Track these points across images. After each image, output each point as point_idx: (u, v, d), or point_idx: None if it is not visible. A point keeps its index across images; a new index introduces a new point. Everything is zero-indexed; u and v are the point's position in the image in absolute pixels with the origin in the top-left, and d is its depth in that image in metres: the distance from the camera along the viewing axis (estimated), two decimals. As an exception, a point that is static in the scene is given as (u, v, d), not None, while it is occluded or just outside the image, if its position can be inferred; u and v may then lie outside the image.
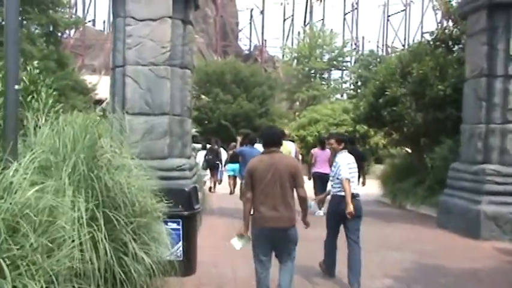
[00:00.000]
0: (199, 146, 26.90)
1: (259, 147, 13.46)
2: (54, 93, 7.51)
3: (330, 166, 9.24)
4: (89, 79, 33.46)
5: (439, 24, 15.99)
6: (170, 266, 5.20)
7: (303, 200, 4.87)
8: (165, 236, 5.28)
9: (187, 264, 5.92)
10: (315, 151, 11.77)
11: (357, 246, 6.09)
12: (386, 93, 12.76)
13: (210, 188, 17.28)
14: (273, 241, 4.78)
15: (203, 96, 41.43)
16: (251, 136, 11.25)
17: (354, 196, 6.02)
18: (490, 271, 6.77)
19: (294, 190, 4.81)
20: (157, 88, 8.33)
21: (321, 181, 10.95)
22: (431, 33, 15.60)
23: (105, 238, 4.17)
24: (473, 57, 9.34)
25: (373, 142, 33.93)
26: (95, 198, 4.32)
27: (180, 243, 5.98)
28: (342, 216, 6.06)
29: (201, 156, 17.32)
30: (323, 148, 11.34)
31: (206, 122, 39.08)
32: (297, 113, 47.89)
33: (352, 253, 6.06)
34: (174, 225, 5.96)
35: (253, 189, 4.78)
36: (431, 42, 14.54)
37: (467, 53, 9.76)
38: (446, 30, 14.42)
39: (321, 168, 11.09)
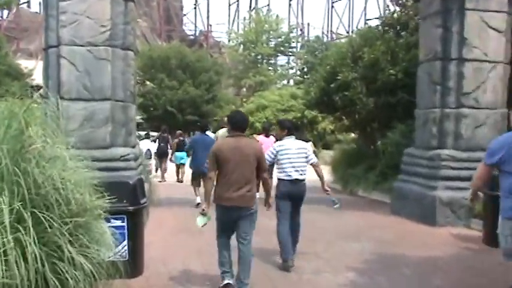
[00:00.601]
0: (143, 133, 26.17)
1: (210, 134, 13.13)
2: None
3: None
4: (25, 64, 31.74)
5: (386, 9, 15.78)
6: (114, 268, 4.64)
7: (266, 182, 5.24)
8: (108, 236, 4.70)
9: (133, 265, 5.34)
10: (260, 138, 11.84)
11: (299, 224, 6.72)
12: (338, 77, 12.50)
13: (163, 177, 16.82)
14: (234, 220, 5.04)
15: (148, 82, 40.31)
16: (203, 123, 11.33)
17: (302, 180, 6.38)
18: (449, 258, 6.59)
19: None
20: (96, 71, 7.63)
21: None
22: (380, 17, 15.53)
23: (35, 242, 3.58)
24: (427, 40, 9.14)
25: (321, 128, 34.04)
26: (21, 196, 3.69)
27: (125, 242, 5.40)
28: (292, 199, 6.38)
29: (145, 145, 16.59)
30: (267, 135, 11.91)
31: (151, 108, 38.03)
32: (244, 99, 47.56)
33: (296, 233, 6.60)
34: (118, 223, 5.38)
35: (218, 170, 4.98)
36: (380, 27, 14.43)
37: (421, 36, 9.56)
38: (395, 15, 14.32)
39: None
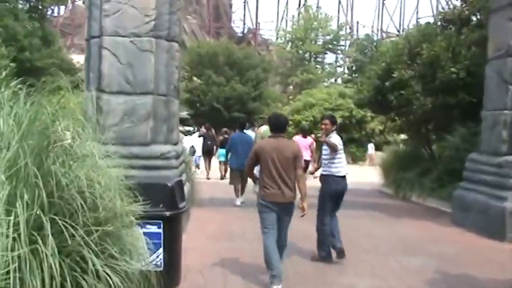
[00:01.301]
0: (190, 129, 26.02)
1: (249, 132, 12.81)
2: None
3: (312, 153, 11.58)
4: (77, 59, 32.16)
5: (446, 4, 14.82)
6: (147, 280, 4.17)
7: (300, 180, 5.38)
8: (141, 244, 4.22)
9: (169, 275, 4.85)
10: (297, 138, 11.91)
11: (336, 217, 6.53)
12: (394, 75, 11.70)
13: (208, 177, 16.48)
14: (276, 213, 5.30)
15: (195, 78, 40.33)
16: (241, 121, 11.73)
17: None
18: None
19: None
20: (139, 63, 7.20)
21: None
22: (440, 13, 14.59)
23: (54, 253, 3.12)
24: (498, 35, 8.28)
25: (370, 128, 33.02)
26: (41, 200, 3.24)
27: (161, 251, 4.91)
28: (339, 196, 6.37)
29: (190, 141, 16.26)
30: (304, 136, 12.20)
31: (198, 104, 37.99)
32: (290, 97, 46.89)
33: (335, 224, 6.43)
34: (154, 229, 4.89)
35: (260, 166, 5.39)
36: (439, 23, 13.54)
37: (491, 31, 8.69)
38: (456, 10, 13.39)
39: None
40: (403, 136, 36.10)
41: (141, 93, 7.28)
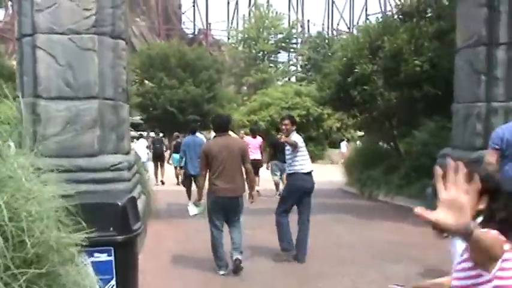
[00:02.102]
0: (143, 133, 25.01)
1: (201, 135, 12.38)
2: None
3: (261, 152, 12.30)
4: (19, 65, 30.45)
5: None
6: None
7: (249, 173, 5.95)
8: (86, 281, 3.45)
9: (123, 310, 4.10)
10: (247, 139, 12.36)
11: (308, 223, 6.47)
12: (356, 70, 11.21)
13: (162, 181, 16.01)
14: (225, 208, 5.79)
15: (147, 82, 39.20)
16: (192, 126, 11.56)
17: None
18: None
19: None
20: (80, 63, 6.36)
21: (254, 167, 10.91)
22: (397, 5, 14.27)
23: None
24: (468, 23, 7.87)
25: (327, 125, 32.82)
26: None
27: (113, 282, 4.14)
28: (306, 193, 6.39)
29: (140, 146, 15.34)
30: (254, 136, 12.77)
31: (151, 108, 36.84)
32: (245, 98, 46.33)
33: (304, 230, 6.39)
34: (104, 257, 4.11)
35: (209, 166, 5.70)
36: (396, 16, 13.22)
37: (459, 19, 8.28)
38: (412, 3, 13.08)
39: (253, 154, 11.04)
40: (359, 133, 36.25)
41: (84, 97, 6.44)
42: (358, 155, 14.84)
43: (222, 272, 5.72)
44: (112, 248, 4.14)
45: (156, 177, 15.85)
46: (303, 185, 6.28)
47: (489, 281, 1.66)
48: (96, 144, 6.47)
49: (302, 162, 6.32)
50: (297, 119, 30.52)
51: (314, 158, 32.18)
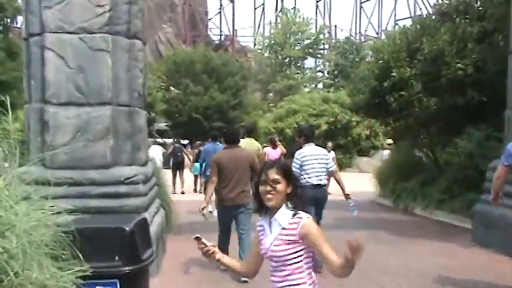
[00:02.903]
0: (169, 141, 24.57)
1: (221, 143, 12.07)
2: None
3: None
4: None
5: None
6: None
7: None
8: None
9: None
10: (267, 150, 12.43)
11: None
12: (392, 75, 10.40)
13: (183, 192, 15.63)
14: (233, 216, 6.15)
15: (172, 88, 38.93)
16: (212, 133, 11.48)
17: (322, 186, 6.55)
18: None
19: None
20: (92, 66, 5.76)
21: None
22: (435, 5, 13.40)
23: None
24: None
25: (356, 133, 31.87)
26: None
27: (117, 323, 3.48)
28: (316, 204, 6.38)
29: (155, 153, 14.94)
30: (274, 147, 12.64)
31: (176, 115, 36.48)
32: (271, 104, 45.65)
33: None
34: (107, 292, 3.47)
35: (218, 175, 6.04)
36: (434, 17, 12.35)
37: (512, 17, 7.44)
38: (452, 2, 12.20)
39: None
40: (389, 141, 35.16)
41: (96, 103, 5.83)
42: (392, 165, 13.96)
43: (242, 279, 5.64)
44: (117, 281, 3.49)
45: (174, 185, 15.44)
46: (309, 195, 5.94)
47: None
48: (109, 154, 5.84)
49: (306, 176, 6.33)
50: (325, 126, 29.93)
51: (342, 166, 31.37)
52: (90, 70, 5.77)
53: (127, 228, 3.52)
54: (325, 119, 30.81)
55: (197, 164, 15.12)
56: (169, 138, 37.76)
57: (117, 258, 3.44)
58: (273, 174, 2.54)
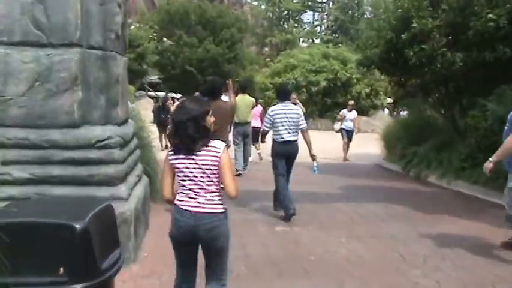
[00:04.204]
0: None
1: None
2: None
3: (261, 120, 11.21)
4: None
5: None
6: None
7: None
8: None
9: None
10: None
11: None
12: (413, 26, 9.10)
13: (167, 146, 14.80)
14: None
15: (165, 39, 37.29)
16: (203, 88, 10.84)
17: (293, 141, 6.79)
18: None
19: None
20: (54, -4, 4.48)
21: (254, 134, 11.46)
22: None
23: None
24: None
25: (355, 91, 30.60)
26: None
27: None
28: (286, 158, 6.76)
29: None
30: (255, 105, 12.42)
31: (169, 67, 34.94)
32: (267, 59, 44.11)
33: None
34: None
35: None
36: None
37: None
38: None
39: (254, 123, 11.68)
40: (389, 100, 33.89)
41: (60, 45, 4.58)
42: (402, 127, 12.81)
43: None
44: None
45: (161, 142, 14.83)
46: (280, 150, 6.75)
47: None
48: (77, 110, 4.63)
49: (276, 133, 6.75)
50: (324, 83, 28.55)
51: (340, 125, 30.30)
52: (52, 3, 4.49)
53: (77, 226, 2.35)
54: (325, 76, 29.49)
55: None
56: (161, 91, 36.36)
57: (61, 271, 2.30)
58: None
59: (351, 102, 15.75)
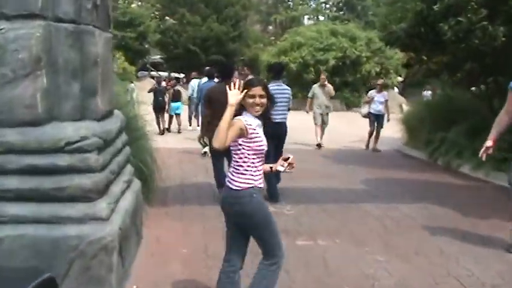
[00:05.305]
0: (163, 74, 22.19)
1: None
2: None
3: None
4: None
5: None
6: None
7: None
8: None
9: None
10: None
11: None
12: (448, -5, 7.89)
13: (168, 129, 15.16)
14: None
15: (167, 18, 36.10)
16: (208, 70, 11.19)
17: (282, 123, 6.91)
18: None
19: None
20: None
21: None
22: None
23: None
24: None
25: (365, 70, 29.29)
26: None
27: None
28: (277, 138, 6.53)
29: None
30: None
31: (172, 47, 33.78)
32: (272, 38, 42.78)
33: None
34: None
35: (209, 109, 6.09)
36: None
37: None
38: None
39: None
40: (399, 78, 32.51)
41: (17, 16, 3.44)
42: (426, 108, 11.66)
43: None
44: None
45: (159, 126, 14.34)
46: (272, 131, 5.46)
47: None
48: (41, 103, 3.51)
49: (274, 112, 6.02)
50: (332, 61, 27.23)
51: (349, 105, 29.06)
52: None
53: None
54: (333, 54, 28.16)
55: (174, 104, 15.03)
56: (164, 71, 35.21)
57: None
58: (260, 91, 3.13)
59: (380, 81, 13.47)
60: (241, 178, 3.04)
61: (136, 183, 4.88)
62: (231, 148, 3.05)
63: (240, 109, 3.04)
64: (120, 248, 3.71)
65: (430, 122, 11.04)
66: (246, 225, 3.11)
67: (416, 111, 12.19)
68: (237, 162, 3.05)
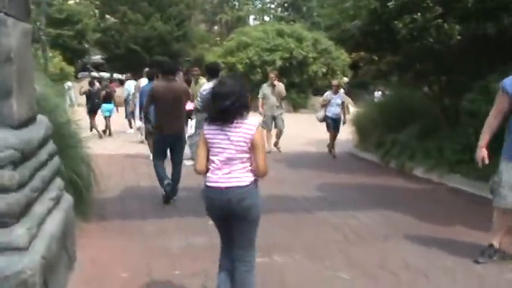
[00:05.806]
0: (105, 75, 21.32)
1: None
2: None
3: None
4: None
5: None
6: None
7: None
8: None
9: None
10: None
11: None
12: (402, -7, 7.62)
13: (104, 131, 14.40)
14: (169, 143, 6.48)
15: (108, 16, 34.77)
16: (149, 71, 10.92)
17: None
18: None
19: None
20: None
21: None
22: None
23: None
24: None
25: (312, 71, 29.25)
26: None
27: None
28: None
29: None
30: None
31: (113, 46, 32.51)
32: (217, 38, 42.21)
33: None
34: None
35: (157, 105, 6.39)
36: None
37: None
38: None
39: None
40: (345, 79, 32.69)
41: None
42: (377, 109, 11.46)
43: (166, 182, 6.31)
44: None
45: (96, 129, 13.92)
46: None
47: None
48: None
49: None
50: (279, 62, 26.91)
51: (296, 107, 28.90)
52: None
53: None
54: (280, 54, 27.95)
55: (106, 105, 14.49)
56: (105, 72, 33.88)
57: None
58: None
59: (335, 82, 12.16)
60: (249, 174, 3.13)
61: (67, 199, 4.22)
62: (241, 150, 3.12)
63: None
64: (45, 281, 3.08)
65: (381, 123, 10.85)
66: (246, 218, 3.18)
67: (367, 112, 11.97)
68: (244, 162, 3.11)
